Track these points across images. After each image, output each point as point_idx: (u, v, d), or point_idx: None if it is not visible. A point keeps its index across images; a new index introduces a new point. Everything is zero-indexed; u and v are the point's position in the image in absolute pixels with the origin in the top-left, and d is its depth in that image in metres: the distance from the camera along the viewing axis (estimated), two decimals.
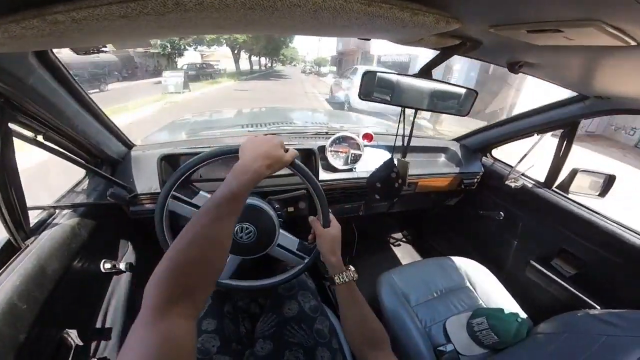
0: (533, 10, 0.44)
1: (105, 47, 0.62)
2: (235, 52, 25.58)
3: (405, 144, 0.93)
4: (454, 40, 0.64)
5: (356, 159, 1.37)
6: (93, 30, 0.40)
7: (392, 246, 2.31)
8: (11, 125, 0.70)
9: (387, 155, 1.48)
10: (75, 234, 0.91)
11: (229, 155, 0.78)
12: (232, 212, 0.58)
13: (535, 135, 1.37)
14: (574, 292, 1.24)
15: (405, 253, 2.25)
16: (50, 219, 0.91)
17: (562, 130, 1.27)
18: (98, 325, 0.98)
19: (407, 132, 0.95)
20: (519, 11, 0.46)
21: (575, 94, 1.11)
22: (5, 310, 0.63)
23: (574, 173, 1.33)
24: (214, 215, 0.55)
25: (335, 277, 0.79)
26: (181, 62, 23.64)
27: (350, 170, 1.38)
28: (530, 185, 1.47)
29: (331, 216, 0.89)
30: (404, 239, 2.37)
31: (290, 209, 1.28)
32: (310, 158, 1.24)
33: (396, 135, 0.92)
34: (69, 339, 0.81)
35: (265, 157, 0.67)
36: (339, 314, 0.82)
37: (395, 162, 1.03)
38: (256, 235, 0.87)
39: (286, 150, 0.74)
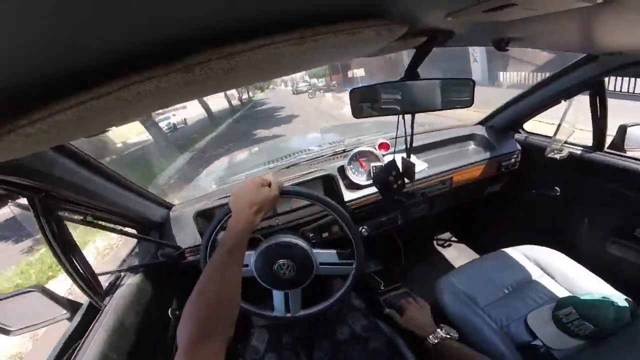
0: None
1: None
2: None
3: (409, 145, 0.92)
4: (421, 38, 0.63)
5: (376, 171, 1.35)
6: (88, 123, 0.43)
7: (444, 247, 2.18)
8: (61, 213, 0.81)
9: (414, 160, 1.45)
10: (141, 289, 1.04)
11: (226, 217, 0.88)
12: (231, 265, 0.64)
13: (563, 101, 1.25)
14: None
15: (461, 252, 2.10)
16: (118, 281, 1.04)
17: (589, 92, 1.16)
18: None
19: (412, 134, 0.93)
20: None
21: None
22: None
23: (623, 129, 1.19)
24: (212, 272, 0.62)
25: (428, 339, 0.80)
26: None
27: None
28: (579, 152, 1.32)
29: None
30: (455, 238, 2.22)
31: (325, 234, 1.29)
32: (331, 183, 1.26)
33: (396, 138, 0.92)
34: None
35: (250, 205, 0.71)
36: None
37: (399, 162, 1.02)
38: (295, 267, 0.92)
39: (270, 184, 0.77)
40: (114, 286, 1.02)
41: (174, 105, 0.61)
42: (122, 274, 1.07)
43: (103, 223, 0.99)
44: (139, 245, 1.24)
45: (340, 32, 0.41)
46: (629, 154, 1.19)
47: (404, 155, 0.96)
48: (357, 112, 0.83)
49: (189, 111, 22.41)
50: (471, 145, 1.60)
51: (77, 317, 0.88)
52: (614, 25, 0.63)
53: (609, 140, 1.26)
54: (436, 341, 0.78)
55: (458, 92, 0.83)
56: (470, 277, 1.24)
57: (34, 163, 0.67)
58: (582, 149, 1.33)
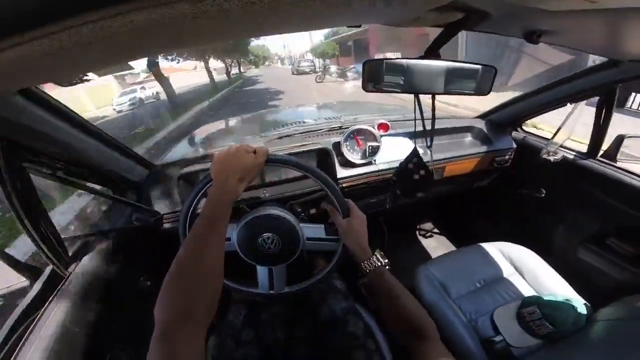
0: None
1: (88, 75, 0.61)
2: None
3: (429, 130, 0.87)
4: (457, 15, 0.57)
5: (374, 151, 1.31)
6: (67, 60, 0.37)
7: (425, 237, 2.21)
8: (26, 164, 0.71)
9: (407, 143, 1.42)
10: (111, 257, 0.96)
11: (207, 186, 0.81)
12: (211, 235, 0.60)
13: (569, 104, 1.24)
14: (636, 273, 1.11)
15: (440, 243, 2.15)
16: (86, 246, 0.96)
17: (598, 98, 1.15)
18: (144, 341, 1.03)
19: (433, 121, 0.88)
20: None
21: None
22: (62, 333, 0.70)
23: (620, 139, 1.20)
24: (192, 244, 0.58)
25: (362, 265, 0.76)
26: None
27: (369, 163, 1.32)
28: (571, 157, 1.33)
29: (351, 204, 0.85)
30: (437, 228, 2.26)
31: (313, 211, 1.26)
32: (326, 157, 1.21)
33: (415, 120, 0.86)
34: (122, 357, 0.87)
35: (234, 172, 0.67)
36: (380, 300, 0.76)
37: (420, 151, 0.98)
38: (281, 242, 0.87)
39: (255, 152, 0.72)
40: (80, 252, 0.93)
41: (164, 52, 0.53)
42: (91, 238, 0.98)
43: (74, 179, 0.90)
44: (113, 208, 1.15)
45: None
46: (619, 164, 1.21)
47: (421, 142, 0.91)
48: (369, 86, 0.77)
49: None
50: (468, 137, 1.59)
51: (37, 286, 0.80)
52: None
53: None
54: (371, 269, 0.75)
55: (477, 79, 0.78)
56: (447, 267, 1.26)
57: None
58: (575, 154, 1.34)
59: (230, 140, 1.53)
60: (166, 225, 1.15)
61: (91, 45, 0.32)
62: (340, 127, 1.41)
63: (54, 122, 0.72)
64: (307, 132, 1.41)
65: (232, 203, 0.66)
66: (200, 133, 2.02)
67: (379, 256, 0.77)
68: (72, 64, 0.44)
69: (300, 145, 1.25)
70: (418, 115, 0.86)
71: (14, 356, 0.64)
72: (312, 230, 0.92)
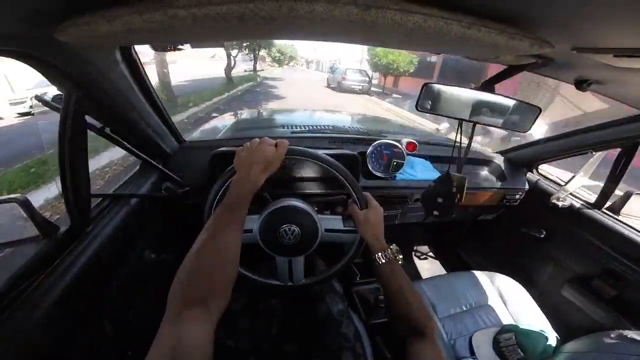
0: (628, 35, 0.43)
1: (182, 46, 0.65)
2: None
3: (461, 157, 0.92)
4: (529, 59, 0.63)
5: (398, 167, 1.35)
6: (205, 29, 0.41)
7: (420, 259, 2.26)
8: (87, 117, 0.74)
9: (429, 167, 1.47)
10: (128, 224, 0.97)
11: (231, 176, 0.81)
12: (231, 223, 0.63)
13: (591, 152, 1.29)
14: (609, 313, 1.19)
15: (434, 266, 2.20)
16: (108, 207, 0.96)
17: (619, 150, 1.21)
18: (144, 314, 1.03)
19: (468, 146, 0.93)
20: (610, 35, 0.44)
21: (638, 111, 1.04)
22: (62, 297, 0.69)
23: (628, 195, 1.27)
24: (212, 229, 0.61)
25: (377, 256, 0.78)
26: None
27: (389, 178, 1.37)
28: (578, 205, 1.40)
29: (369, 196, 0.87)
30: (432, 252, 2.31)
31: (327, 212, 1.29)
32: (353, 163, 1.25)
33: (454, 146, 0.91)
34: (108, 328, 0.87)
35: (257, 163, 0.70)
36: (385, 302, 0.80)
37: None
38: (300, 233, 0.88)
39: (276, 146, 0.74)
40: (101, 212, 0.93)
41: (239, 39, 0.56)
42: (112, 202, 0.99)
43: (117, 138, 0.92)
44: (140, 173, 1.17)
45: (504, 34, 0.40)
46: (621, 218, 1.28)
47: (452, 166, 0.96)
48: (422, 106, 0.82)
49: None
50: (485, 171, 1.63)
51: (49, 242, 0.76)
52: None
53: None
54: (384, 260, 0.77)
55: (522, 116, 0.84)
56: (438, 288, 1.31)
57: (98, 58, 0.62)
58: (583, 203, 1.40)
59: (259, 130, 1.55)
60: (191, 201, 1.17)
61: (193, 25, 0.37)
62: (367, 139, 1.45)
63: (131, 83, 0.76)
64: (335, 136, 1.44)
65: (253, 192, 0.69)
66: (231, 118, 2.03)
67: (394, 250, 0.81)
68: (173, 37, 0.47)
69: (330, 149, 1.28)
70: (458, 142, 0.91)
71: (9, 313, 0.61)
72: (330, 222, 0.93)
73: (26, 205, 0.73)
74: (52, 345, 0.67)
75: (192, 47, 0.63)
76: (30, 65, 0.58)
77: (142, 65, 0.79)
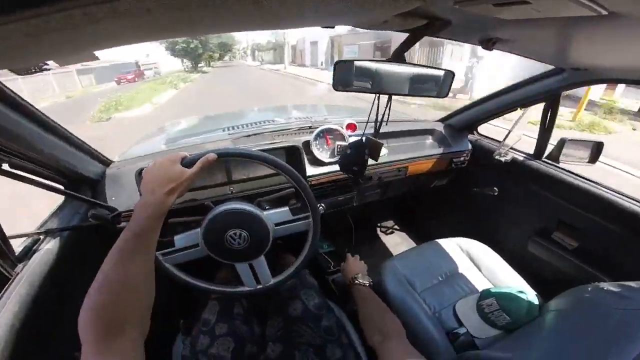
0: None
1: (48, 64, 0.57)
2: None
3: (378, 125, 0.95)
4: (421, 21, 0.61)
5: (342, 150, 1.34)
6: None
7: (386, 234, 2.30)
8: None
9: None
10: (64, 257, 0.89)
11: None
12: (138, 252, 0.57)
13: (519, 109, 1.36)
14: (579, 265, 1.23)
15: (401, 239, 2.24)
16: (36, 245, 0.89)
17: (544, 103, 1.26)
18: None
19: (382, 116, 0.95)
20: None
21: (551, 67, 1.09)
22: (9, 336, 0.64)
23: (562, 142, 1.32)
24: (117, 259, 0.55)
25: (357, 280, 1.07)
26: None
27: (337, 162, 1.35)
28: (520, 158, 1.46)
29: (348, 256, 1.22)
30: (397, 226, 2.36)
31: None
32: (296, 154, 1.22)
33: (367, 122, 0.94)
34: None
35: (163, 184, 0.64)
36: (358, 311, 0.93)
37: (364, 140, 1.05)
38: (249, 235, 0.85)
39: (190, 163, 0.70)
40: (29, 251, 0.86)
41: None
42: (42, 237, 0.91)
43: (23, 174, 0.82)
44: (66, 205, 1.07)
45: None
46: (562, 165, 1.35)
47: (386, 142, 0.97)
48: (343, 84, 0.80)
49: None
50: (429, 140, 1.68)
51: None
52: (589, 42, 0.68)
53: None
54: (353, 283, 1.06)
55: (437, 82, 0.84)
56: (411, 262, 1.31)
57: None
58: (523, 155, 1.46)
59: (195, 138, 1.47)
60: (124, 224, 1.09)
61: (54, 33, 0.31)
62: (310, 127, 1.42)
63: (3, 111, 0.66)
64: (277, 130, 1.41)
65: (161, 216, 0.63)
66: (164, 131, 1.93)
67: (359, 279, 1.07)
68: (26, 52, 0.41)
69: (270, 143, 1.24)
70: (378, 116, 0.91)
71: None
72: (277, 215, 0.91)
73: None
74: None
75: (61, 64, 0.55)
76: None
77: (10, 90, 0.68)
